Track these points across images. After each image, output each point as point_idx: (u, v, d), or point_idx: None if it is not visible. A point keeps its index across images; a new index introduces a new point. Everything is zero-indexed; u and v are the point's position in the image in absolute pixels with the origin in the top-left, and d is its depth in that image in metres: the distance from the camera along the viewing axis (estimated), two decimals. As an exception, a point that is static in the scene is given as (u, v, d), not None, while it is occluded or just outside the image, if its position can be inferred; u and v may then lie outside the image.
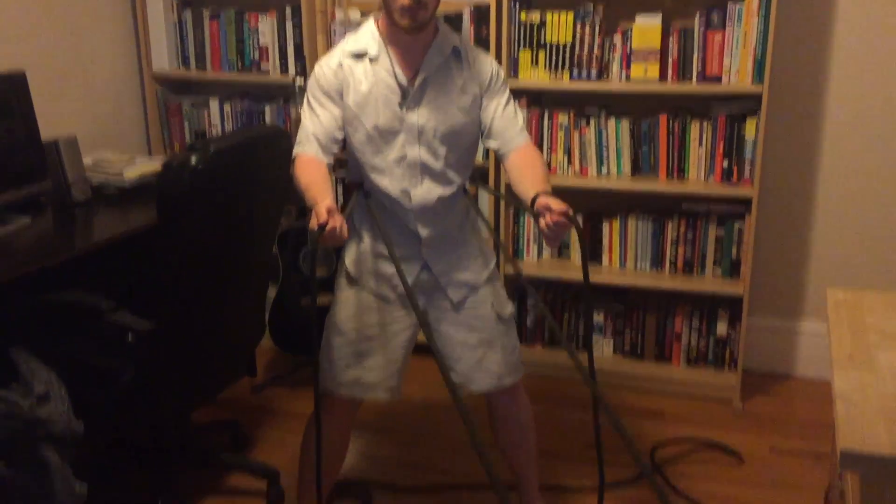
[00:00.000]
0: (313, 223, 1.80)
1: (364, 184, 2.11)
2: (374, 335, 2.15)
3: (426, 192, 2.06)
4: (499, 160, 2.14)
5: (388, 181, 2.05)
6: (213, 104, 3.60)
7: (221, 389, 2.71)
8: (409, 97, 2.00)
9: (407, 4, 1.89)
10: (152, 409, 2.43)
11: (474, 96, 2.05)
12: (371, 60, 2.00)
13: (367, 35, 2.02)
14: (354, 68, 2.01)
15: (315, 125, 2.03)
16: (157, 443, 2.64)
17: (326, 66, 2.03)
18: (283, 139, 2.47)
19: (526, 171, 2.02)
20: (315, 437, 2.03)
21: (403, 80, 2.00)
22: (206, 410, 3.06)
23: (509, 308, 2.25)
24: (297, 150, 2.06)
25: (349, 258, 2.18)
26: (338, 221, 1.79)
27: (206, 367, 2.48)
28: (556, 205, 1.81)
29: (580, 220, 3.29)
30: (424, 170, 2.04)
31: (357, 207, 2.16)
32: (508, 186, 1.96)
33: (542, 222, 1.82)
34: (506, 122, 2.07)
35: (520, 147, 2.06)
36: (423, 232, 2.11)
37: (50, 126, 2.79)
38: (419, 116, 2.01)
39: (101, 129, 3.43)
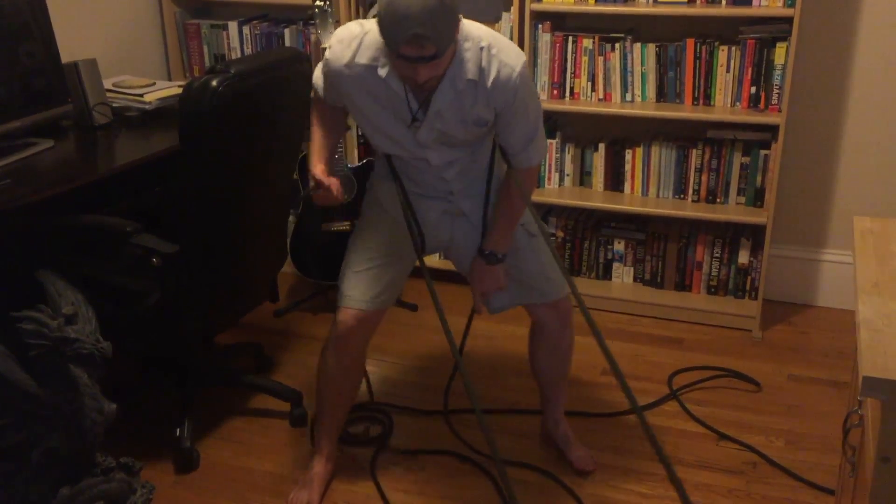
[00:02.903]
0: (311, 186, 1.99)
1: None
2: (391, 253, 2.19)
3: (443, 155, 2.06)
4: None
5: (402, 154, 2.07)
6: (232, 26, 3.55)
7: (245, 313, 2.74)
8: (419, 121, 1.95)
9: (410, 84, 1.85)
10: (178, 330, 2.46)
11: (487, 121, 1.97)
12: (385, 78, 1.90)
13: (384, 50, 1.85)
14: (368, 76, 1.91)
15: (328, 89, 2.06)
16: (182, 363, 2.69)
17: (338, 64, 1.93)
18: (302, 62, 2.45)
19: (499, 214, 2.14)
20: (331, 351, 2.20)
21: (415, 105, 1.92)
22: (229, 334, 3.10)
23: (539, 226, 2.25)
24: (314, 94, 2.11)
25: (380, 190, 2.21)
26: (329, 186, 1.94)
27: (230, 289, 2.51)
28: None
29: (602, 147, 3.26)
30: (437, 149, 2.05)
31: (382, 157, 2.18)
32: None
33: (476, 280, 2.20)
34: (510, 142, 2.02)
35: (517, 171, 2.06)
36: (454, 185, 2.14)
37: (69, 50, 2.77)
38: (427, 136, 1.98)
39: (120, 53, 3.39)
